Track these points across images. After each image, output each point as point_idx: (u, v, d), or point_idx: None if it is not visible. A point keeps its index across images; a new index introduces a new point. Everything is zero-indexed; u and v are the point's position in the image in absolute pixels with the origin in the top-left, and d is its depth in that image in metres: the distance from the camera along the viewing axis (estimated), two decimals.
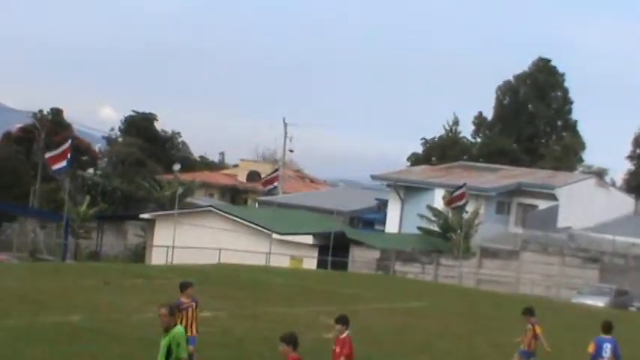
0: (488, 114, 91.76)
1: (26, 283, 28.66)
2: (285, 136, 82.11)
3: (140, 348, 18.28)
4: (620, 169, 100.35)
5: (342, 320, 13.39)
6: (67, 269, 38.03)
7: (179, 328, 11.49)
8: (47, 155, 47.13)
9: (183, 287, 16.66)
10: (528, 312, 19.18)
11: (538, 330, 18.88)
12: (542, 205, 59.54)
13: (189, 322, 16.43)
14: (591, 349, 16.81)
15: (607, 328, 16.98)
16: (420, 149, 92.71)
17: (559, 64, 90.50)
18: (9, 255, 55.87)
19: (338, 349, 13.33)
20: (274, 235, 51.96)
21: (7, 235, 61.34)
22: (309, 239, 53.23)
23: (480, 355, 22.82)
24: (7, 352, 16.86)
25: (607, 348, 16.70)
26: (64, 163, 44.99)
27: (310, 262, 52.30)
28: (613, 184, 76.44)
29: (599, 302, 42.44)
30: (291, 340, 11.64)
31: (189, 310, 16.67)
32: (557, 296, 47.63)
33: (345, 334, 13.30)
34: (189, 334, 16.14)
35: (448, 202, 53.29)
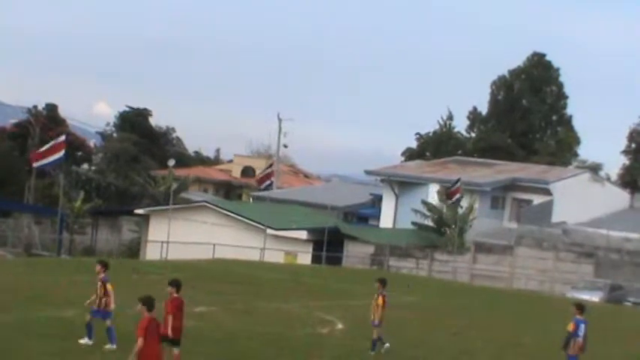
0: (483, 109, 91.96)
1: (21, 278, 28.68)
2: (280, 132, 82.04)
3: (133, 342, 18.30)
4: (615, 164, 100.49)
5: (173, 283, 15.31)
6: (61, 264, 38.03)
7: None
8: (32, 153, 46.84)
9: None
10: (383, 282, 20.07)
11: (380, 301, 19.79)
12: (537, 200, 59.66)
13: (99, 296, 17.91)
14: (571, 327, 18.06)
15: (583, 309, 18.35)
16: (414, 144, 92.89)
17: (554, 58, 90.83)
18: (4, 250, 55.88)
19: (169, 309, 15.01)
20: (268, 231, 51.99)
21: (2, 231, 61.26)
22: (303, 234, 53.28)
23: (474, 349, 22.89)
24: (2, 347, 16.89)
25: (582, 327, 18.06)
26: (50, 159, 44.40)
27: (304, 258, 52.35)
28: (608, 179, 76.50)
29: (594, 297, 42.51)
30: (147, 302, 12.70)
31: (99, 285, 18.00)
32: (552, 291, 47.75)
33: (175, 296, 15.17)
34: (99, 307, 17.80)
35: (449, 195, 53.15)
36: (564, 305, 39.06)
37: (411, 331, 24.79)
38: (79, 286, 27.91)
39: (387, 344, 20.34)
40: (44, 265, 36.67)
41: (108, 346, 17.50)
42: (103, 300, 17.81)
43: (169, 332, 14.80)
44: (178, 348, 15.15)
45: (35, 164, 45.39)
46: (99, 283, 17.99)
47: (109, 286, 17.86)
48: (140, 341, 12.36)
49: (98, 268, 18.23)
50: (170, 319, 14.88)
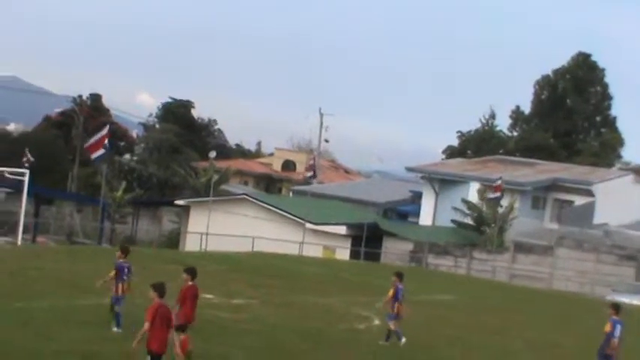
0: (526, 108, 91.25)
1: (63, 265, 29.01)
2: (321, 126, 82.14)
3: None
4: None
5: (188, 271, 15.86)
6: (102, 253, 38.40)
7: None
8: (86, 145, 47.66)
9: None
10: (400, 276, 20.71)
11: (390, 292, 20.41)
12: (579, 200, 59.06)
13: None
14: (608, 328, 18.36)
15: (618, 309, 18.68)
16: (455, 142, 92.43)
17: (599, 59, 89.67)
18: (46, 238, 56.65)
19: (180, 297, 15.62)
20: (307, 225, 52.04)
21: (44, 218, 62.05)
22: (342, 230, 53.26)
23: (513, 350, 22.75)
24: (43, 333, 17.10)
25: (618, 328, 18.33)
26: (102, 151, 45.44)
27: (343, 253, 52.35)
28: None
29: (635, 300, 41.97)
30: (158, 288, 13.02)
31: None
32: (592, 293, 47.25)
33: (189, 283, 15.69)
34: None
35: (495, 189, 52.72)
36: (604, 308, 38.72)
37: (448, 330, 24.70)
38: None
39: (404, 339, 20.42)
40: (85, 253, 37.06)
41: (115, 329, 17.83)
42: (116, 285, 18.09)
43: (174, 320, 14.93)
44: (185, 333, 15.40)
45: (93, 156, 46.44)
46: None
47: (111, 273, 18.12)
48: (146, 325, 12.63)
49: (118, 254, 18.59)
50: (177, 307, 15.29)
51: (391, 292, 20.40)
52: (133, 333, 13.51)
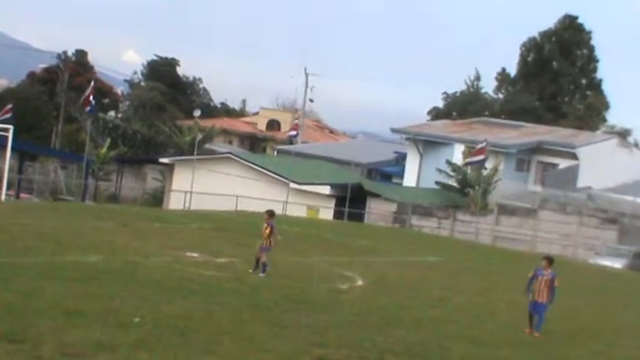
0: (512, 70, 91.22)
1: (46, 222, 28.88)
2: (306, 86, 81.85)
3: (156, 290, 18.43)
4: None
5: None
6: (86, 210, 38.29)
7: None
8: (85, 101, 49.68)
9: None
10: (271, 214, 23.72)
11: (267, 230, 23.12)
12: (563, 164, 59.26)
13: None
14: (531, 274, 19.20)
15: (551, 261, 19.34)
16: (441, 103, 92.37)
17: (585, 21, 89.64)
18: (30, 194, 56.40)
19: None
20: (292, 185, 52.03)
21: (28, 175, 61.75)
22: (326, 189, 53.30)
23: (494, 311, 22.86)
24: (26, 289, 17.03)
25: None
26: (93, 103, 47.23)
27: (327, 213, 52.42)
28: (636, 145, 75.72)
29: (617, 263, 42.34)
30: None
31: None
32: (574, 256, 47.57)
33: None
34: None
35: (467, 164, 52.84)
36: (587, 270, 38.98)
37: (431, 291, 24.81)
38: (102, 233, 28.14)
39: (264, 274, 22.35)
40: (69, 210, 36.94)
41: None
42: None
43: None
44: None
45: (87, 109, 48.76)
46: None
47: None
48: None
49: None
50: None
51: (268, 230, 23.03)
52: None
